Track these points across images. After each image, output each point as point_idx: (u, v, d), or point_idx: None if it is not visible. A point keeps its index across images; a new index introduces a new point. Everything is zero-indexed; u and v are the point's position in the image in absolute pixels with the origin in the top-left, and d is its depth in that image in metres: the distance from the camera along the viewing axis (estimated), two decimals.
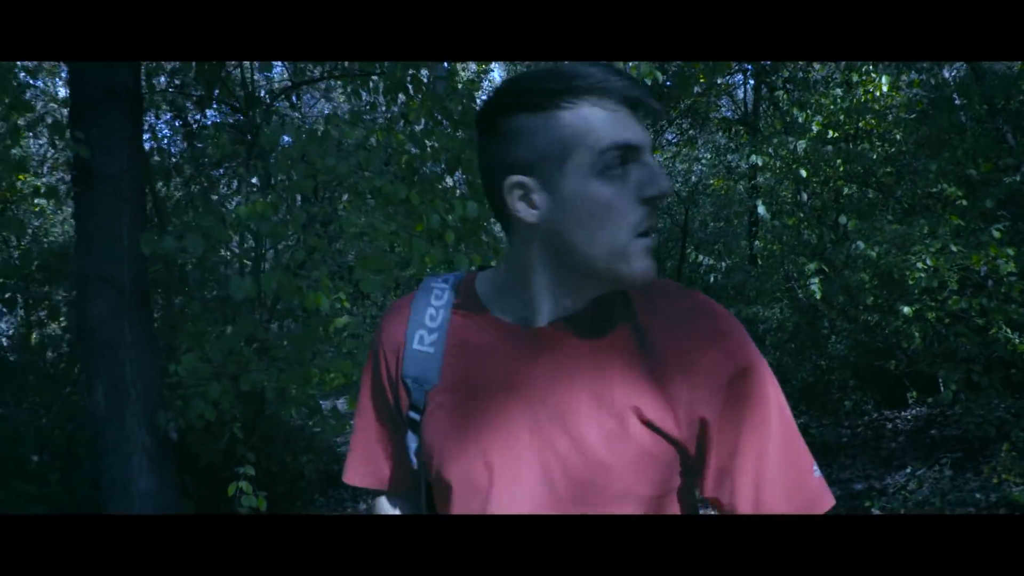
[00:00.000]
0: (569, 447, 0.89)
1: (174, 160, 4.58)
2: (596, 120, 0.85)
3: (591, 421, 0.89)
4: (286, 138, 3.70)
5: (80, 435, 4.02)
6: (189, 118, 4.76)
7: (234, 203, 5.21)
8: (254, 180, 4.87)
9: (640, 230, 0.86)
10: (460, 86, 4.20)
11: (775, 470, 0.89)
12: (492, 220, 4.35)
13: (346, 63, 4.45)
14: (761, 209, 6.20)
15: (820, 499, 0.91)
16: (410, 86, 4.24)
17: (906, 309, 4.90)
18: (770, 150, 6.49)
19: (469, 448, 0.93)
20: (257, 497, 3.54)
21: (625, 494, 0.90)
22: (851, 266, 5.52)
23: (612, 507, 0.89)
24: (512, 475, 0.90)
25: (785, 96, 7.75)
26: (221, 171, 4.77)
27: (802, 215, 6.88)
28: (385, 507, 1.11)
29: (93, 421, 3.25)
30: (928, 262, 4.78)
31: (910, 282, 4.84)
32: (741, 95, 12.47)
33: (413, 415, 0.99)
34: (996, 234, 5.02)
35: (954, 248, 4.84)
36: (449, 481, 0.93)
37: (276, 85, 4.89)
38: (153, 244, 3.07)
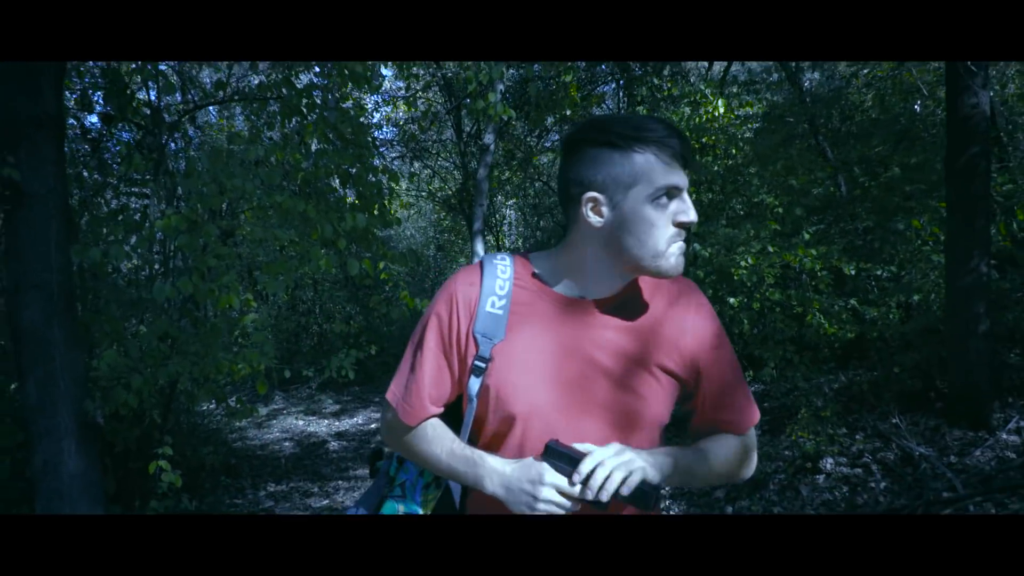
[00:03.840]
0: (615, 388, 1.27)
1: (81, 173, 4.94)
2: (655, 165, 1.20)
3: (630, 369, 1.28)
4: (196, 158, 4.19)
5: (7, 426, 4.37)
6: (94, 134, 5.12)
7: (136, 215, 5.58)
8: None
9: (673, 241, 1.23)
10: (352, 112, 4.77)
11: (740, 389, 1.38)
12: (379, 227, 4.94)
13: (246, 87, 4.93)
14: None
15: (754, 406, 1.41)
16: (304, 109, 4.78)
17: (732, 300, 5.83)
18: None
19: (534, 388, 1.26)
20: (175, 475, 4.03)
21: (655, 421, 1.31)
22: (693, 264, 6.43)
23: (645, 432, 1.31)
24: (572, 407, 1.26)
25: (645, 111, 8.64)
26: (122, 184, 5.14)
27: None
28: (436, 426, 1.36)
29: (25, 411, 3.65)
30: (749, 261, 5.72)
31: (735, 277, 5.77)
32: (612, 105, 13.41)
33: (479, 363, 1.28)
34: (806, 236, 6.03)
35: (771, 249, 5.80)
36: (514, 413, 1.27)
37: (178, 105, 5.30)
38: (82, 254, 3.53)
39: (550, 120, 11.12)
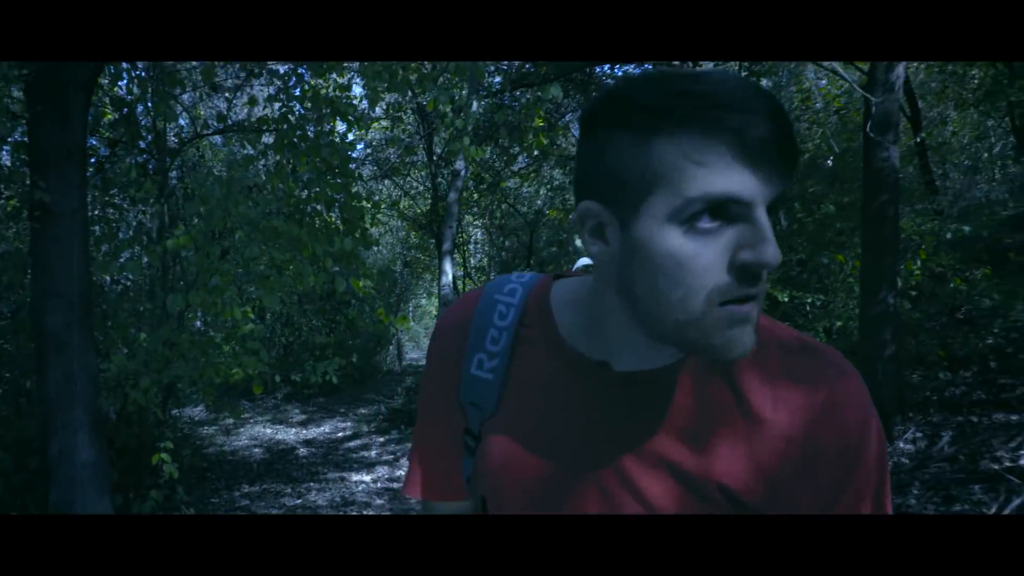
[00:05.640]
0: (642, 507, 0.80)
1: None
2: (692, 160, 0.65)
3: (668, 493, 0.79)
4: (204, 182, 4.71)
5: (13, 423, 4.82)
6: (101, 156, 5.59)
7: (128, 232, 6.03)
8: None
9: (725, 298, 0.67)
10: (338, 142, 5.30)
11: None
12: (361, 248, 5.48)
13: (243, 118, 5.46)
14: (578, 241, 7.71)
15: None
16: (296, 140, 5.32)
17: None
18: None
19: (525, 497, 0.84)
20: (173, 467, 4.51)
21: None
22: None
23: None
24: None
25: None
26: (127, 202, 5.62)
27: None
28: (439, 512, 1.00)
29: (44, 406, 4.11)
30: None
31: None
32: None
33: (468, 440, 0.90)
34: None
35: None
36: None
37: (181, 133, 5.80)
38: (104, 269, 4.02)
39: (516, 148, 11.74)
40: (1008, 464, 4.42)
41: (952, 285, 6.64)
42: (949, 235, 6.28)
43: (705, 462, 0.77)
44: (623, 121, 0.69)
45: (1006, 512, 3.64)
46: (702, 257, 0.66)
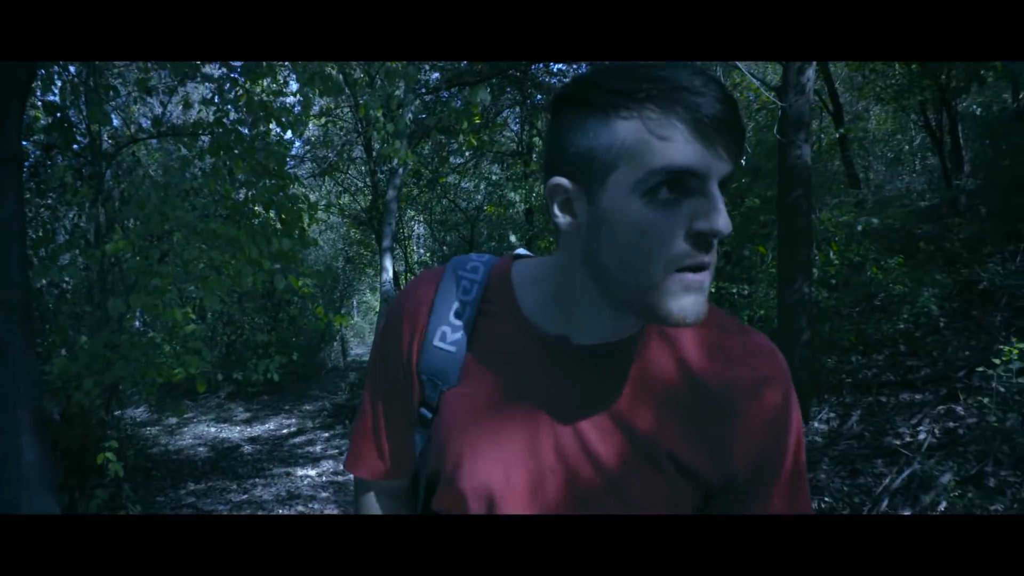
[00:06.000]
0: (596, 482, 0.85)
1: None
2: (654, 135, 0.72)
3: (623, 459, 0.85)
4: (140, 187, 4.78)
5: None
6: (33, 161, 5.60)
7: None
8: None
9: (680, 265, 0.74)
10: (274, 144, 5.40)
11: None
12: (299, 248, 5.60)
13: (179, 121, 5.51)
14: (512, 237, 7.94)
15: None
16: (231, 144, 5.41)
17: None
18: (527, 186, 8.25)
19: (488, 463, 0.87)
20: (119, 465, 4.59)
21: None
22: None
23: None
24: (529, 503, 0.86)
25: (540, 141, 9.54)
26: (57, 201, 5.63)
27: (552, 240, 8.72)
28: (374, 498, 1.05)
29: None
30: None
31: None
32: (516, 128, 14.31)
33: (424, 412, 0.93)
34: None
35: None
36: (463, 490, 0.88)
37: (116, 134, 5.82)
38: (43, 274, 4.09)
39: (454, 144, 11.90)
40: (908, 439, 4.81)
41: (869, 274, 7.07)
42: (860, 227, 6.69)
43: (655, 430, 0.84)
44: (590, 102, 0.76)
45: (898, 481, 4.00)
46: (662, 226, 0.73)
